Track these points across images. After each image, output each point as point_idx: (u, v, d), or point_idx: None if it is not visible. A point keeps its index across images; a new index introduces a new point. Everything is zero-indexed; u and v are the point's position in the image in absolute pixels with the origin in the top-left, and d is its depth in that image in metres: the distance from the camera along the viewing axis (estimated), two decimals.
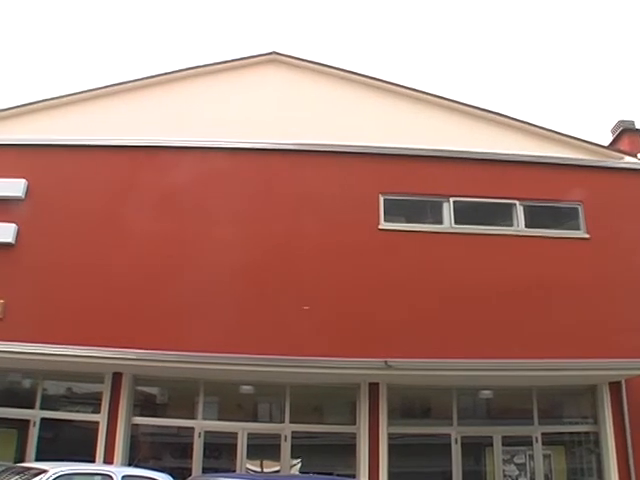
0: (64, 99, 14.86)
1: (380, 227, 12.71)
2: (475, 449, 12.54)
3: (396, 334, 11.75)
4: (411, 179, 13.12)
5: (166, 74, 15.21)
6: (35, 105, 14.80)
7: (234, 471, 11.73)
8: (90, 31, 50.00)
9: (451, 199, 13.09)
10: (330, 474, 11.79)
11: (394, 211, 12.99)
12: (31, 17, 49.93)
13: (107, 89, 15.18)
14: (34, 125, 14.23)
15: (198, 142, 13.39)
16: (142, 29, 52.69)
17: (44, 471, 8.30)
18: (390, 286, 12.18)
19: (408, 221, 13.20)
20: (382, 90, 15.45)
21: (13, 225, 12.70)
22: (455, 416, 12.49)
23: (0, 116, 14.37)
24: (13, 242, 12.64)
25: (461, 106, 15.42)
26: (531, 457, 12.38)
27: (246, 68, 15.62)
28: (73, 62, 50.56)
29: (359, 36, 52.33)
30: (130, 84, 15.18)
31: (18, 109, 14.61)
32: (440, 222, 13.06)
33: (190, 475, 11.30)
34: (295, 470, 12.19)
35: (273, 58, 15.79)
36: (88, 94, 14.92)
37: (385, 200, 12.93)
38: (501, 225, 13.19)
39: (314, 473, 11.33)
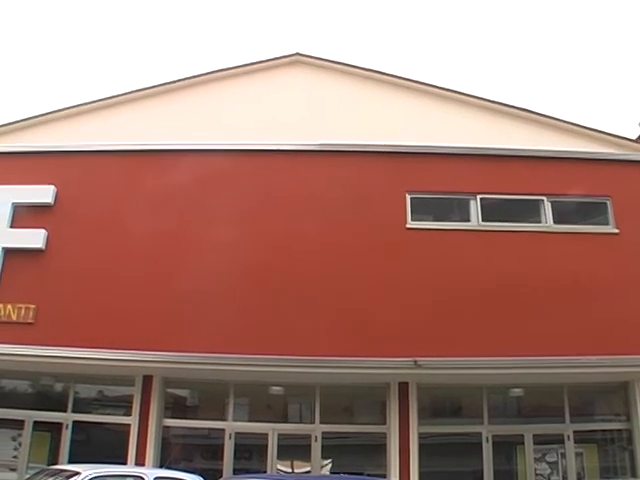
0: (92, 105, 15.06)
1: (407, 226, 12.61)
2: (506, 448, 12.44)
3: (425, 333, 11.70)
4: (438, 177, 13.01)
5: (190, 78, 15.36)
6: (64, 112, 15.05)
7: (265, 472, 11.78)
8: (117, 36, 50.45)
9: (478, 196, 12.93)
10: (360, 474, 11.77)
11: (421, 210, 12.90)
12: (57, 23, 50.47)
13: (133, 94, 15.38)
14: (62, 132, 14.45)
15: (223, 145, 13.36)
16: (165, 33, 53.01)
17: (77, 473, 8.41)
18: (419, 285, 12.11)
19: (435, 219, 13.14)
20: (407, 88, 15.45)
21: (43, 231, 12.87)
22: (486, 415, 12.42)
23: (27, 124, 14.62)
24: (43, 248, 12.79)
25: (486, 102, 15.36)
26: (563, 455, 12.26)
27: (270, 70, 15.71)
28: (103, 67, 51.03)
29: (381, 34, 52.20)
30: (155, 89, 15.34)
31: (46, 116, 14.87)
32: (467, 220, 12.93)
33: (221, 476, 11.39)
34: (325, 470, 12.21)
35: (296, 59, 15.84)
36: (115, 99, 15.12)
37: (412, 199, 12.83)
38: (529, 222, 13.02)
39: (344, 473, 11.29)
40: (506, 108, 15.53)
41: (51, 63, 50.42)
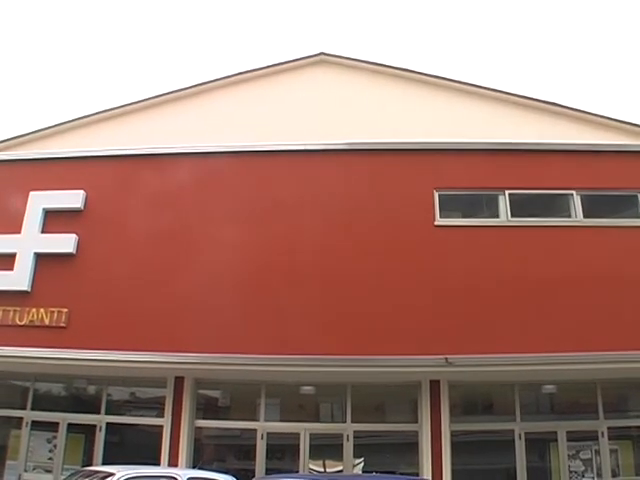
0: (120, 109, 15.20)
1: (436, 223, 12.52)
2: (539, 445, 12.32)
3: (456, 330, 11.59)
4: (465, 173, 12.89)
5: (215, 80, 15.43)
6: (92, 117, 15.20)
7: (297, 472, 11.80)
8: (140, 40, 50.87)
9: (507, 192, 12.79)
10: (393, 473, 11.74)
11: (449, 206, 12.80)
12: (80, 30, 51.01)
13: (159, 98, 15.48)
14: (91, 137, 14.59)
15: (251, 146, 13.44)
16: (187, 36, 53.30)
17: (111, 474, 8.50)
18: (449, 282, 12.02)
19: (464, 216, 13.01)
20: (432, 85, 15.38)
21: (73, 235, 13.02)
22: (518, 412, 12.30)
23: (55, 130, 14.82)
24: (74, 252, 12.95)
25: (511, 97, 15.20)
26: (597, 452, 12.09)
27: (295, 70, 15.69)
28: (126, 73, 51.50)
29: (402, 31, 52.03)
30: (180, 92, 15.44)
31: (74, 122, 15.03)
32: (496, 216, 12.80)
33: (254, 476, 11.42)
34: (358, 470, 12.19)
35: (321, 59, 15.83)
36: (142, 104, 15.23)
37: (440, 196, 12.74)
38: (558, 216, 12.87)
39: (377, 472, 11.28)
40: (529, 101, 15.38)
41: (80, 68, 50.99)
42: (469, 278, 12.07)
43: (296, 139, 13.48)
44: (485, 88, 15.20)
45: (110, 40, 51.99)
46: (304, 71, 15.75)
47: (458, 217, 12.94)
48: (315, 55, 15.66)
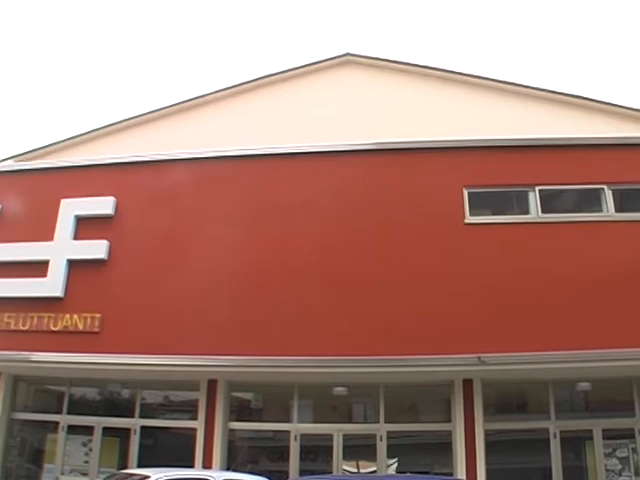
0: (146, 116, 15.34)
1: (466, 221, 12.44)
2: (575, 443, 12.13)
3: (489, 328, 11.51)
4: (495, 170, 12.79)
5: (242, 84, 15.50)
6: (120, 124, 15.37)
7: (331, 473, 11.81)
8: (168, 46, 51.30)
9: (537, 188, 12.65)
10: (427, 473, 11.69)
11: (478, 204, 12.71)
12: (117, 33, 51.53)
13: (185, 104, 15.58)
14: (120, 144, 14.75)
15: (278, 149, 13.47)
16: (211, 40, 53.64)
17: (147, 477, 8.57)
18: (480, 280, 11.92)
19: (493, 213, 12.90)
20: (457, 82, 15.28)
21: (105, 241, 13.20)
22: (552, 410, 12.16)
23: (86, 138, 15.01)
24: (106, 258, 13.13)
25: (539, 92, 15.02)
26: (634, 450, 11.87)
27: (321, 72, 15.68)
28: (153, 79, 51.98)
29: (425, 29, 51.86)
30: (207, 97, 15.52)
31: (104, 129, 15.21)
32: (527, 212, 12.66)
33: (287, 478, 11.46)
34: (391, 470, 12.15)
35: (347, 60, 15.80)
36: (168, 110, 15.36)
37: (469, 194, 12.65)
38: (590, 211, 12.68)
39: (410, 472, 11.25)
40: (558, 95, 15.21)
41: (108, 75, 51.55)
42: (501, 276, 11.97)
43: (323, 140, 13.49)
44: (512, 84, 15.05)
45: (137, 46, 52.49)
46: (330, 72, 15.74)
47: (488, 215, 12.84)
48: (341, 56, 15.65)
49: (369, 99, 14.97)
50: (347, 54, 15.74)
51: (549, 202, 12.68)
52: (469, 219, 12.49)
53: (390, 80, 15.43)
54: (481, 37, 51.55)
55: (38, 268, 13.35)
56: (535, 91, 14.95)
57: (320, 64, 15.83)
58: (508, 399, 12.93)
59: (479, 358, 11.07)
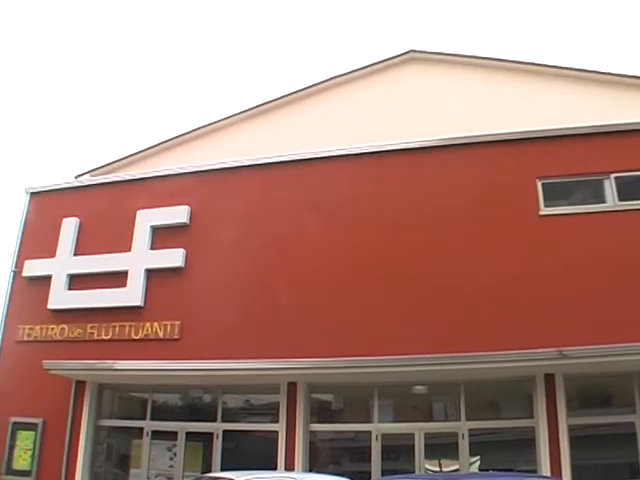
0: (215, 125, 15.63)
1: (541, 213, 12.28)
2: None
3: (570, 321, 11.31)
4: (568, 160, 12.55)
5: (308, 88, 15.60)
6: (190, 134, 15.72)
7: (413, 472, 11.69)
8: (234, 54, 52.12)
9: (612, 175, 12.35)
10: (510, 470, 11.51)
11: (552, 195, 12.49)
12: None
13: (253, 110, 15.79)
14: (191, 153, 15.09)
15: (346, 150, 13.59)
16: (276, 45, 54.28)
17: None
18: (558, 272, 11.76)
19: (568, 204, 12.61)
20: (524, 72, 15.04)
21: (181, 250, 13.56)
22: (638, 403, 11.81)
23: (159, 149, 15.40)
24: (183, 266, 13.47)
25: (606, 76, 14.64)
26: None
27: (385, 71, 15.69)
28: (220, 88, 52.89)
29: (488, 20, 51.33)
30: (277, 102, 15.70)
31: (174, 140, 15.59)
32: (603, 201, 12.39)
33: (369, 478, 11.46)
34: (474, 468, 11.99)
35: (411, 57, 15.76)
36: (236, 118, 15.62)
37: (543, 185, 12.48)
38: None
39: (493, 470, 11.09)
40: (627, 79, 14.81)
41: (178, 85, 52.69)
42: (579, 267, 11.77)
43: (390, 139, 13.50)
44: (582, 70, 14.68)
45: (204, 54, 53.45)
46: (395, 70, 15.73)
47: (562, 206, 12.57)
48: (405, 53, 15.63)
49: (435, 95, 14.89)
50: (411, 51, 15.72)
51: (625, 189, 12.36)
52: (544, 210, 12.32)
53: (456, 74, 15.29)
54: (538, 25, 50.71)
55: (118, 279, 13.83)
56: (605, 76, 14.55)
57: (384, 63, 15.85)
58: (592, 393, 12.59)
59: (560, 352, 10.84)
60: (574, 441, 11.61)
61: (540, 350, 10.98)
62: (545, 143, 12.76)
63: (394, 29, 50.94)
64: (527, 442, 11.86)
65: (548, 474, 11.22)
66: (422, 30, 51.89)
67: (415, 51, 15.68)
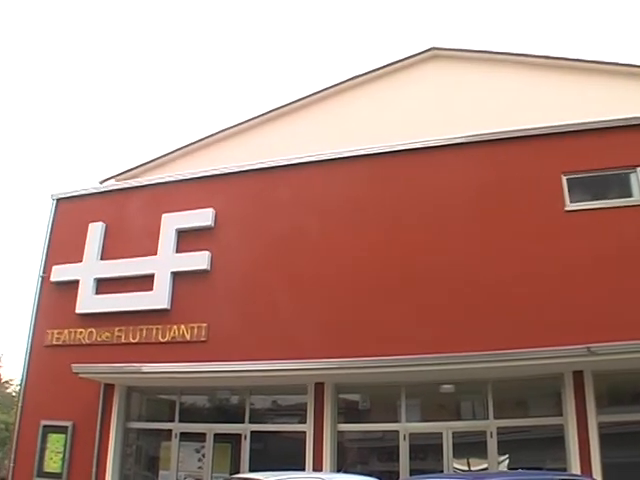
0: (237, 127, 15.71)
1: (566, 209, 12.20)
2: None
3: (597, 317, 11.22)
4: (593, 154, 12.45)
5: (331, 87, 15.62)
6: (213, 137, 15.82)
7: (441, 471, 11.63)
8: (255, 56, 52.39)
9: (638, 169, 12.21)
10: (539, 469, 11.44)
11: (576, 190, 12.40)
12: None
13: (274, 112, 15.82)
14: (213, 156, 15.19)
15: (370, 149, 13.59)
16: (294, 47, 54.49)
17: None
18: (585, 268, 11.68)
19: (593, 199, 12.48)
20: (546, 67, 14.92)
21: (207, 252, 13.68)
22: None
23: (182, 153, 15.52)
24: (208, 268, 13.58)
25: (634, 69, 14.45)
26: None
27: (407, 69, 15.66)
28: (241, 90, 53.28)
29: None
30: (298, 103, 15.73)
31: (197, 144, 15.70)
32: (629, 195, 12.24)
33: (398, 478, 11.41)
34: (503, 467, 11.93)
35: (433, 54, 15.72)
36: (258, 120, 15.68)
37: (568, 180, 12.38)
38: None
39: (522, 469, 11.03)
40: None
41: (199, 88, 53.14)
42: (606, 262, 11.65)
43: (414, 137, 13.50)
44: (603, 63, 14.50)
45: (228, 57, 53.79)
46: (417, 68, 15.68)
47: (588, 201, 12.44)
48: (426, 51, 15.56)
49: (458, 92, 14.82)
50: (432, 48, 15.65)
51: None
52: (569, 206, 12.24)
53: (478, 71, 15.20)
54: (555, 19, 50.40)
55: (144, 282, 13.97)
56: (633, 68, 14.32)
57: (406, 61, 15.81)
58: (621, 390, 12.41)
59: (589, 349, 10.73)
60: (604, 439, 11.46)
61: (568, 347, 10.87)
62: (569, 138, 12.65)
63: (414, 27, 50.93)
64: (556, 440, 11.74)
65: (578, 472, 11.14)
66: (443, 27, 51.81)
67: (436, 48, 15.61)
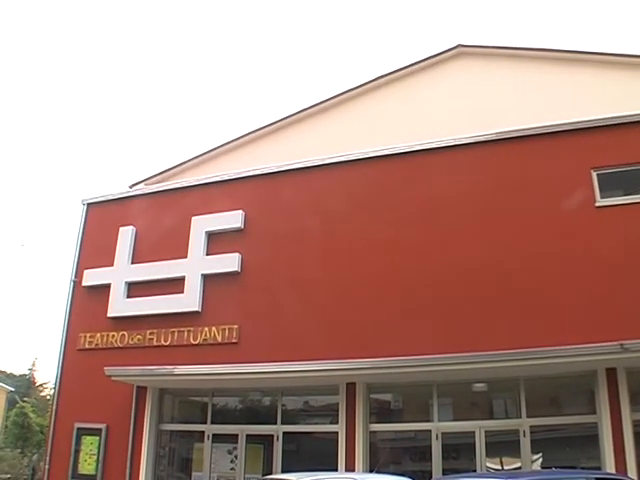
0: (265, 129, 15.80)
1: (597, 204, 12.08)
2: None
3: (631, 314, 11.08)
4: (622, 148, 12.30)
5: (359, 87, 15.64)
6: (241, 140, 15.92)
7: (474, 471, 11.56)
8: (282, 59, 52.67)
9: None
10: (573, 468, 11.32)
11: (608, 186, 12.25)
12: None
13: (302, 113, 15.85)
14: (242, 158, 15.29)
15: (399, 149, 13.60)
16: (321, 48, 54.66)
17: None
18: (617, 264, 11.56)
19: (625, 194, 12.29)
20: (573, 61, 14.79)
21: (237, 254, 13.78)
22: None
23: (210, 156, 15.64)
24: (239, 270, 13.68)
25: None
26: None
27: (433, 67, 15.63)
28: (269, 92, 53.59)
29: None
30: (327, 103, 15.78)
31: (225, 146, 15.81)
32: None
33: (430, 477, 11.34)
34: (536, 466, 11.83)
35: (459, 52, 15.67)
36: (285, 121, 15.75)
37: (599, 175, 12.26)
38: None
39: (556, 467, 10.94)
40: None
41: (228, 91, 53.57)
42: (637, 258, 11.49)
43: (442, 135, 13.47)
44: (632, 56, 14.30)
45: (255, 60, 54.12)
46: (443, 66, 15.65)
47: (619, 196, 12.29)
48: (452, 48, 15.52)
49: (485, 89, 14.75)
50: (458, 46, 15.59)
51: None
52: (600, 202, 12.13)
53: (505, 67, 15.10)
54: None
55: (175, 285, 14.12)
56: None
57: (432, 59, 15.77)
58: None
59: (622, 345, 10.61)
60: (639, 437, 11.41)
61: (601, 344, 10.77)
62: (599, 133, 12.53)
63: (440, 25, 50.87)
64: (590, 438, 11.61)
65: (613, 471, 11.03)
66: (468, 24, 51.66)
67: (463, 45, 15.54)
